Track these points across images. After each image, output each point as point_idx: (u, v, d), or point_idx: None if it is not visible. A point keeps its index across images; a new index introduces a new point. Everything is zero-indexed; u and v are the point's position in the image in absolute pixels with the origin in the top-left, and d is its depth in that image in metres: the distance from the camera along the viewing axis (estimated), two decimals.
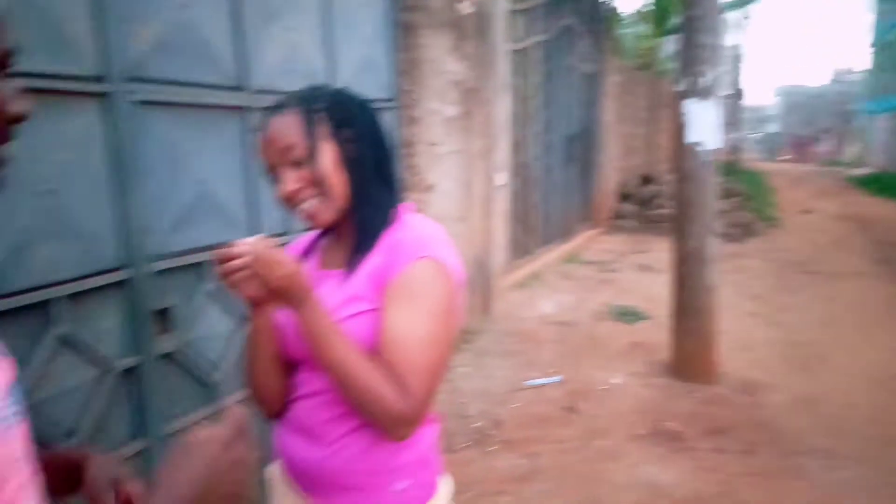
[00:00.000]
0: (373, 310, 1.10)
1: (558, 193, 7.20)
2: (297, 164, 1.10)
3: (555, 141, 6.90)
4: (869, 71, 36.28)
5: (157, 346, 2.15)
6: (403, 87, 3.68)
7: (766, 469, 3.01)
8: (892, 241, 9.78)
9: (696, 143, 3.89)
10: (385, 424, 1.06)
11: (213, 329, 2.42)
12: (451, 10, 4.08)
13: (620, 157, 9.78)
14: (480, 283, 4.72)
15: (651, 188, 10.03)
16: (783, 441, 3.27)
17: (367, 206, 1.14)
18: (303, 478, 1.19)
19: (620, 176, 9.90)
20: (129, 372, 2.07)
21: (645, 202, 9.69)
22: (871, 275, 7.51)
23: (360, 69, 3.28)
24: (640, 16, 11.99)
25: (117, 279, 2.00)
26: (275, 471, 1.29)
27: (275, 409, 1.22)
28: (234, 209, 2.47)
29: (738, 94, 23.10)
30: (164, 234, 2.17)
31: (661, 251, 7.96)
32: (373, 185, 1.15)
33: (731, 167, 18.45)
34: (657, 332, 4.84)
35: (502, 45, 4.90)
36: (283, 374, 1.20)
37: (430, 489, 1.20)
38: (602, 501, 2.78)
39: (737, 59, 21.21)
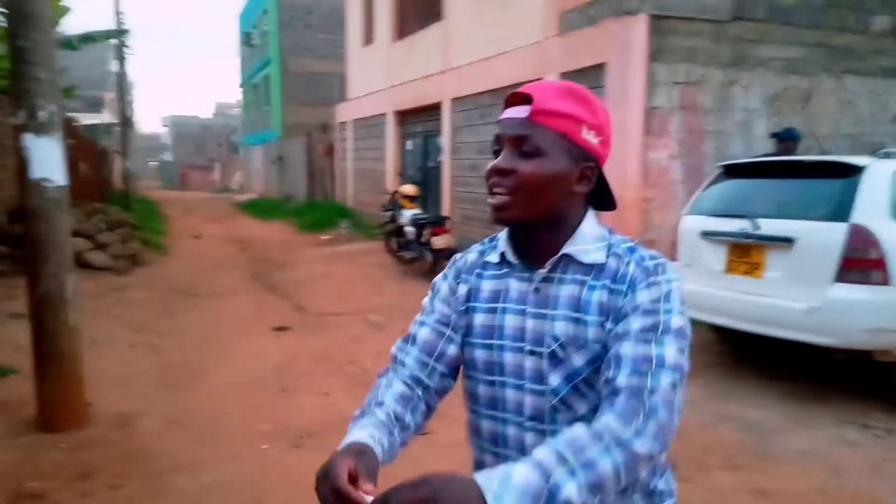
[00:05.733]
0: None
1: None
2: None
3: None
4: (242, 107, 41.26)
5: None
6: None
7: (134, 497, 3.07)
8: (264, 259, 11.33)
9: (43, 180, 3.70)
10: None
11: None
12: None
13: None
14: None
15: None
16: (153, 465, 3.40)
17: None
18: None
19: None
20: None
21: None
22: (245, 291, 8.54)
23: None
24: None
25: None
26: None
27: None
28: None
29: (128, 123, 22.96)
30: None
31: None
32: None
33: (122, 197, 18.28)
34: (26, 385, 4.42)
35: None
36: None
37: None
38: None
39: (125, 87, 21.01)
